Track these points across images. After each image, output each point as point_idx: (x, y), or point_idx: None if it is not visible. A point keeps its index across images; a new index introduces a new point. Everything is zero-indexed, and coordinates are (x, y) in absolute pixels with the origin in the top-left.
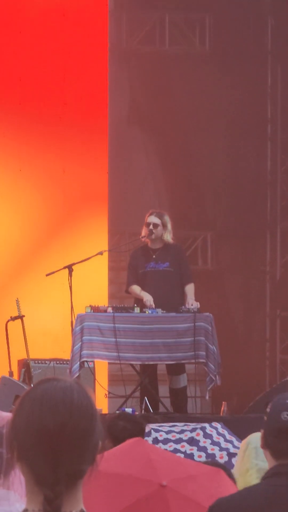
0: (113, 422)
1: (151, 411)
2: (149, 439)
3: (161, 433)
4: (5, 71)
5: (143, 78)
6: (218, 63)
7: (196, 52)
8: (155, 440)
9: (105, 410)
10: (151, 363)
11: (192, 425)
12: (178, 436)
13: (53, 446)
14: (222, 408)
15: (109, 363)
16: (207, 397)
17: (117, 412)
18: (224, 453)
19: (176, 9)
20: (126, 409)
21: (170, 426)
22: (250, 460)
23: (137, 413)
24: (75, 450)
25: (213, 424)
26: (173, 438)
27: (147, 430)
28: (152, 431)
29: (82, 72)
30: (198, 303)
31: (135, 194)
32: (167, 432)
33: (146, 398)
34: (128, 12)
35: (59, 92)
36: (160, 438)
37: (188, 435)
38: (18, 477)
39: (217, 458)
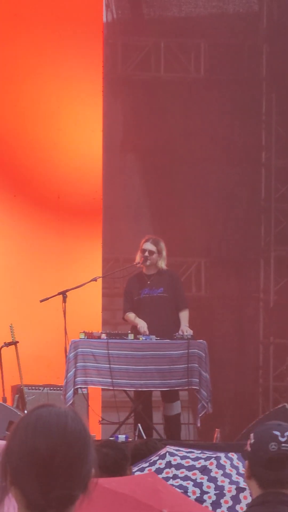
0: (96, 449)
1: (144, 437)
2: (163, 462)
3: (176, 457)
4: (0, 97)
5: (137, 105)
6: (212, 90)
7: (191, 79)
8: (168, 464)
9: (98, 437)
10: (145, 389)
11: (208, 453)
12: (192, 463)
13: (45, 470)
14: (215, 435)
15: (102, 390)
16: (198, 424)
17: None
18: (234, 486)
19: (171, 35)
20: (120, 436)
21: (186, 452)
22: None
23: (130, 439)
24: (67, 475)
25: (229, 454)
26: (186, 464)
27: (162, 452)
28: (167, 454)
29: (76, 98)
30: (192, 331)
31: (129, 221)
32: (182, 458)
33: (139, 424)
34: (123, 39)
35: (54, 118)
36: (173, 463)
37: (202, 463)
38: (12, 503)
39: (225, 491)
